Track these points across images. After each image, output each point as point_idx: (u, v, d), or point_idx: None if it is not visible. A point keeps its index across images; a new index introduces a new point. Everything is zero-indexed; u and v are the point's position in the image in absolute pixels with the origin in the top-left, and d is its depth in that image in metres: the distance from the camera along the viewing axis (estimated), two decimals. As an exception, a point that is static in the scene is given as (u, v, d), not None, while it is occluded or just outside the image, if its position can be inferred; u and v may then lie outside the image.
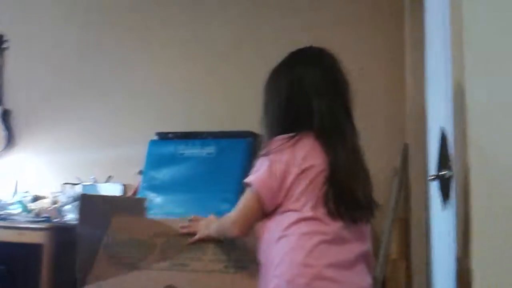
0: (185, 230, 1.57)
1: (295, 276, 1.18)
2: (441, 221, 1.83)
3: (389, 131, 2.78)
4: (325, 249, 1.21)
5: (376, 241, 2.54)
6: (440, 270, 1.94)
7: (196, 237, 1.54)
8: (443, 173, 1.53)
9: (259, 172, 1.29)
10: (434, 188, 2.00)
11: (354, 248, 1.24)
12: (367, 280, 1.25)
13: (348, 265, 1.21)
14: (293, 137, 1.29)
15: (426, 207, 2.39)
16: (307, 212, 1.22)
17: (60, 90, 3.30)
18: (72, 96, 3.28)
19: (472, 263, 1.11)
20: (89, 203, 1.68)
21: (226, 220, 1.38)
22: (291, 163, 1.26)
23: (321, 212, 1.22)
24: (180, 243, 1.55)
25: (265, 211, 1.29)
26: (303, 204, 1.23)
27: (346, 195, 1.25)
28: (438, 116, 1.86)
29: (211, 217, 1.55)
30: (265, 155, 1.30)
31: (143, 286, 1.47)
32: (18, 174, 3.27)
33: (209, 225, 1.52)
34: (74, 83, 3.29)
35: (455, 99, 1.36)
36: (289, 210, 1.25)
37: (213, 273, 1.46)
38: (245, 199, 1.31)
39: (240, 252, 1.49)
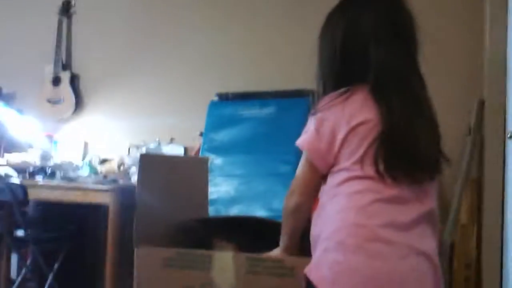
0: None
1: (346, 237, 1.09)
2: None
3: (465, 87, 2.58)
4: (379, 208, 1.11)
5: (445, 204, 2.41)
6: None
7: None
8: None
9: (307, 134, 1.20)
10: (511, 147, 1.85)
11: (414, 208, 1.13)
12: (430, 243, 1.14)
13: (406, 226, 1.11)
14: (344, 92, 1.17)
15: (502, 168, 2.23)
16: (358, 171, 1.12)
17: (124, 57, 3.35)
18: (135, 63, 3.32)
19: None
20: (148, 163, 1.62)
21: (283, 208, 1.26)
22: (340, 121, 1.14)
23: (374, 171, 1.12)
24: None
25: (321, 175, 1.19)
26: (355, 162, 1.13)
27: (401, 153, 1.12)
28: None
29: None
30: (313, 113, 1.19)
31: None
32: (86, 137, 3.41)
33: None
34: (137, 50, 3.32)
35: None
36: (340, 170, 1.15)
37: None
38: (300, 167, 1.22)
39: None
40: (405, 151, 1.13)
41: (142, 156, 1.68)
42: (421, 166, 1.14)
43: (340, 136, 1.14)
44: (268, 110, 2.75)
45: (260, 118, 2.75)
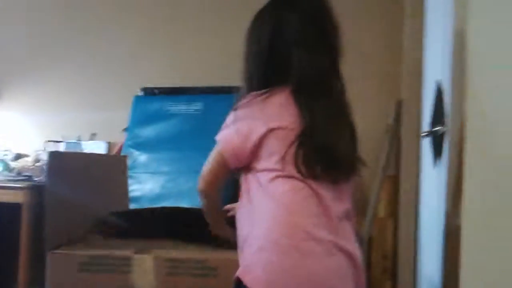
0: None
1: (280, 237, 1.10)
2: (432, 179, 1.79)
3: (384, 88, 2.71)
4: (308, 206, 1.13)
5: (364, 199, 2.52)
6: (428, 228, 1.91)
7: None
8: (436, 128, 1.47)
9: (225, 129, 1.21)
10: (426, 145, 1.96)
11: (337, 207, 1.16)
12: (353, 242, 1.18)
13: (332, 224, 1.14)
14: (264, 93, 1.17)
15: (417, 165, 2.36)
16: (282, 171, 1.14)
17: (42, 48, 3.18)
18: (55, 54, 3.16)
19: (462, 220, 1.08)
20: (58, 161, 1.53)
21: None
22: (258, 121, 1.15)
23: (295, 171, 1.14)
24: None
25: (230, 170, 1.22)
26: (276, 162, 1.14)
27: (321, 154, 1.15)
28: (435, 71, 1.79)
29: None
30: (234, 110, 1.20)
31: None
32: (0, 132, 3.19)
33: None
34: (57, 41, 3.17)
35: (455, 49, 1.28)
36: (263, 170, 1.15)
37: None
38: (211, 156, 1.23)
39: None
40: (324, 151, 1.15)
41: (50, 153, 1.57)
42: (339, 166, 1.18)
43: (256, 136, 1.15)
44: (195, 106, 2.71)
45: (186, 114, 2.71)
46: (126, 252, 1.35)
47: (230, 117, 1.20)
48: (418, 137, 2.35)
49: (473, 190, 1.07)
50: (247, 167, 1.19)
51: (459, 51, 1.19)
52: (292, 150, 1.13)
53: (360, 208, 1.31)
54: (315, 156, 1.14)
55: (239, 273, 1.13)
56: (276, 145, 1.14)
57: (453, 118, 1.29)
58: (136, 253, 1.35)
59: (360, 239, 1.32)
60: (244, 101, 1.19)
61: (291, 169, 1.13)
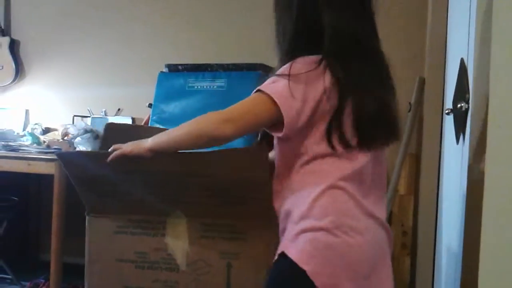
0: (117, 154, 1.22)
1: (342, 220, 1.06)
2: (454, 156, 1.80)
3: (407, 66, 2.69)
4: (355, 188, 1.09)
5: (386, 176, 2.53)
6: (449, 206, 1.93)
7: (119, 152, 1.21)
8: (459, 106, 1.48)
9: (278, 85, 1.06)
10: (448, 123, 1.96)
11: (375, 176, 1.14)
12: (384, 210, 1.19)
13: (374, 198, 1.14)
14: (320, 62, 1.06)
15: (439, 143, 2.36)
16: (325, 148, 1.07)
17: (69, 23, 3.23)
18: (81, 30, 3.21)
19: (483, 198, 1.09)
20: (113, 132, 1.57)
21: (201, 119, 1.12)
22: (315, 93, 1.05)
23: (342, 145, 1.07)
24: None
25: (274, 133, 1.09)
26: (320, 138, 1.08)
27: (373, 122, 1.08)
28: (459, 49, 1.78)
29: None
30: (284, 74, 1.06)
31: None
32: (28, 106, 3.28)
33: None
34: (83, 17, 3.21)
35: (479, 26, 1.28)
36: (307, 145, 1.08)
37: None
38: (249, 100, 1.08)
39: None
40: (376, 119, 1.08)
41: (107, 125, 1.61)
42: (390, 131, 1.12)
43: (312, 105, 1.06)
44: (219, 83, 2.75)
45: (211, 90, 2.75)
46: (161, 216, 1.41)
47: (284, 80, 1.06)
48: (440, 115, 2.35)
49: (495, 167, 1.08)
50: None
51: (484, 28, 1.19)
52: (337, 123, 1.07)
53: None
54: (365, 125, 1.07)
55: (283, 248, 1.10)
56: (319, 119, 1.08)
57: (477, 95, 1.29)
58: (170, 216, 1.41)
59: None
60: (301, 66, 1.07)
61: (336, 144, 1.08)
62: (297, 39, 1.12)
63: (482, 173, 1.11)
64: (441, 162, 2.32)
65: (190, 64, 2.90)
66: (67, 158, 1.45)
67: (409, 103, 2.52)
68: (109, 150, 1.28)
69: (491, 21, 1.06)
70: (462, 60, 1.59)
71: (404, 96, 2.64)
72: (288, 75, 1.06)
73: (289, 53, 1.12)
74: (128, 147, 1.23)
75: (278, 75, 1.08)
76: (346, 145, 1.07)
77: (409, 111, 2.53)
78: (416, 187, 2.53)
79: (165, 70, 2.94)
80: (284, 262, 1.07)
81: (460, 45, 1.75)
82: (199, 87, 2.78)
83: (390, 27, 2.68)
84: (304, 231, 1.07)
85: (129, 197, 1.40)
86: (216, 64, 2.80)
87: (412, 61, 2.68)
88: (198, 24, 3.05)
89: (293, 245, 1.07)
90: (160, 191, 1.37)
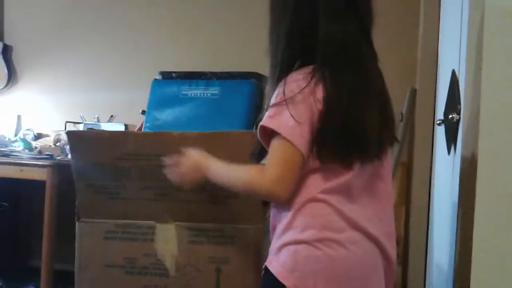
0: (174, 176, 1.24)
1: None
2: (445, 167, 1.82)
3: (399, 76, 2.71)
4: (346, 204, 1.07)
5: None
6: (440, 217, 1.94)
7: (177, 181, 1.23)
8: (451, 116, 1.49)
9: (281, 116, 1.05)
10: (440, 133, 1.98)
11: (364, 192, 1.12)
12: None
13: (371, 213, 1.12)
14: (313, 73, 1.05)
15: (430, 153, 2.38)
16: (313, 163, 1.05)
17: (62, 29, 3.22)
18: (74, 36, 3.21)
19: (474, 209, 1.09)
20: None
21: (252, 174, 1.09)
22: (311, 107, 1.05)
23: (331, 159, 1.05)
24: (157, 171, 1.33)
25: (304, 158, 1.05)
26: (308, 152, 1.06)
27: (353, 137, 1.06)
28: (451, 60, 1.80)
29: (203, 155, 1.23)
30: (282, 99, 1.05)
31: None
32: (20, 111, 3.26)
33: (204, 165, 1.20)
34: (77, 22, 3.21)
35: (471, 37, 1.30)
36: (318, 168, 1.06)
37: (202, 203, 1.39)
38: (277, 151, 1.05)
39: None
40: (356, 133, 1.07)
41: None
42: (370, 146, 1.09)
43: (309, 122, 1.04)
44: (212, 91, 2.75)
45: (204, 98, 2.76)
46: (150, 221, 1.41)
47: (282, 103, 1.05)
48: (432, 126, 2.37)
49: (487, 178, 1.08)
50: None
51: (475, 39, 1.21)
52: (326, 137, 1.05)
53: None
54: (346, 141, 1.06)
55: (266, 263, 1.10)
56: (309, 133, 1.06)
57: (468, 106, 1.31)
58: (159, 222, 1.41)
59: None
60: (295, 85, 1.05)
61: (324, 157, 1.06)
62: (290, 47, 1.11)
63: (473, 184, 1.11)
64: (432, 173, 2.34)
65: (184, 72, 2.90)
66: (77, 136, 1.44)
67: (401, 113, 2.54)
68: (165, 161, 1.26)
69: (483, 32, 1.08)
70: (453, 71, 1.61)
71: (396, 106, 2.65)
72: (285, 101, 1.05)
73: (282, 62, 1.10)
74: (188, 173, 1.21)
75: (277, 104, 1.06)
76: (325, 161, 1.06)
77: (401, 121, 2.55)
78: (408, 197, 2.54)
79: (158, 77, 2.94)
80: (267, 276, 1.08)
81: (451, 56, 1.77)
82: (192, 94, 2.78)
83: (382, 38, 2.69)
84: (286, 244, 1.07)
85: (122, 193, 1.40)
86: (210, 72, 2.81)
87: (404, 72, 2.70)
88: (192, 32, 3.06)
89: (276, 258, 1.08)
90: (152, 184, 1.37)
